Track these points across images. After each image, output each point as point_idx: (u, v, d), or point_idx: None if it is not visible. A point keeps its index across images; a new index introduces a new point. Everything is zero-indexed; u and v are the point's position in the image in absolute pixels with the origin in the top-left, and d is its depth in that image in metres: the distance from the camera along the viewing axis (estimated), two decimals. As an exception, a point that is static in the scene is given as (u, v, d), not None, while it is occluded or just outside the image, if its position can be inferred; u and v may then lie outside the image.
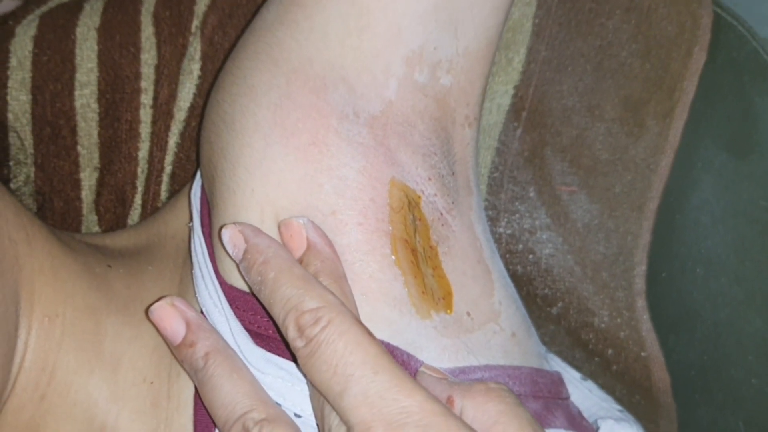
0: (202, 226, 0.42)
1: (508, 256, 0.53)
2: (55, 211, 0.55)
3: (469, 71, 0.42)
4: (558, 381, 0.43)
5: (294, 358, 0.36)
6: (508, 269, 0.50)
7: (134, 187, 0.54)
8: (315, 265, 0.36)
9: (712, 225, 0.48)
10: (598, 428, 0.43)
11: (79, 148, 0.54)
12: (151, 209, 0.54)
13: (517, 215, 0.52)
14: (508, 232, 0.53)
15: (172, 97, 0.52)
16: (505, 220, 0.52)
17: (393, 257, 0.38)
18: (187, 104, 0.52)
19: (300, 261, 0.37)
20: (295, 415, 0.37)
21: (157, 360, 0.41)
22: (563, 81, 0.50)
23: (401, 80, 0.40)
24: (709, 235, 0.48)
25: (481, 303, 0.40)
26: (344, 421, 0.33)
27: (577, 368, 0.50)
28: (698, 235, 0.49)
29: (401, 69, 0.39)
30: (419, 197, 0.40)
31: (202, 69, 0.52)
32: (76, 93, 0.53)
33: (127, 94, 0.53)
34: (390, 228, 0.38)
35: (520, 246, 0.52)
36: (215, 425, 0.37)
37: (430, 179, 0.40)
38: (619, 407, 0.47)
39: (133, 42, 0.53)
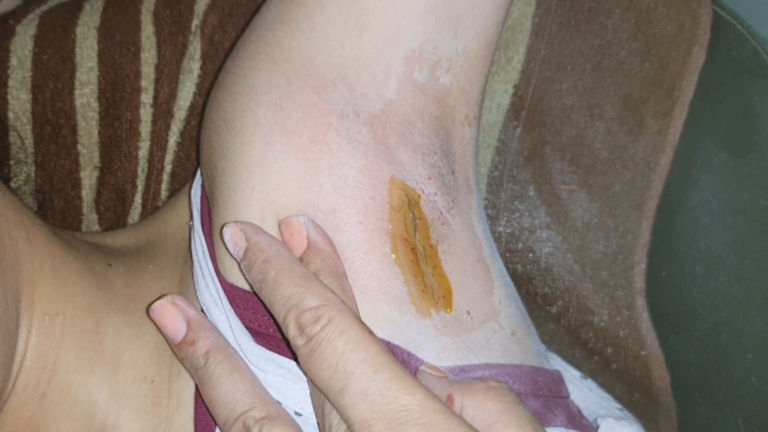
0: (203, 224, 0.42)
1: (507, 254, 0.53)
2: (55, 210, 0.55)
3: (469, 70, 0.42)
4: (558, 380, 0.43)
5: (294, 357, 0.36)
6: (507, 268, 0.50)
7: (134, 186, 0.54)
8: (315, 264, 0.36)
9: (712, 224, 0.48)
10: (597, 427, 0.43)
11: (79, 147, 0.54)
12: (151, 208, 0.54)
13: (517, 214, 0.52)
14: (508, 230, 0.53)
15: (173, 96, 0.52)
16: (505, 218, 0.52)
17: (393, 256, 0.38)
18: (188, 103, 0.52)
19: (300, 259, 0.37)
20: (296, 413, 0.37)
21: (157, 358, 0.41)
22: (563, 80, 0.50)
23: (401, 79, 0.40)
24: (709, 233, 0.48)
25: (481, 302, 0.41)
26: (344, 419, 0.33)
27: (577, 367, 0.50)
28: (698, 234, 0.49)
29: (401, 68, 0.39)
30: (419, 196, 0.40)
31: (202, 68, 0.52)
32: (77, 92, 0.53)
33: (128, 93, 0.53)
34: (390, 227, 0.38)
35: (520, 245, 0.52)
36: (216, 423, 0.37)
37: (429, 178, 0.40)
38: (618, 406, 0.47)
39: (134, 41, 0.53)
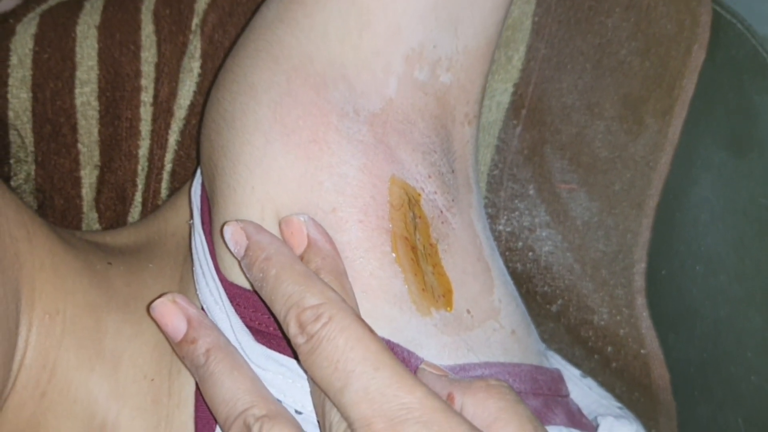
0: (203, 223, 0.42)
1: (507, 253, 0.53)
2: (55, 209, 0.55)
3: (469, 69, 0.42)
4: (558, 378, 0.43)
5: (295, 355, 0.36)
6: (507, 267, 0.50)
7: (134, 185, 0.54)
8: (316, 262, 0.36)
9: (712, 223, 0.48)
10: (597, 425, 0.43)
11: (79, 145, 0.54)
12: (151, 207, 0.54)
13: (517, 213, 0.52)
14: (508, 229, 0.53)
15: (173, 95, 0.52)
16: (505, 217, 0.52)
17: (393, 255, 0.38)
18: (188, 102, 0.52)
19: (301, 258, 0.37)
20: (296, 411, 0.37)
21: (157, 357, 0.41)
22: (563, 79, 0.50)
23: (401, 78, 0.40)
24: (709, 232, 0.48)
25: (481, 300, 0.41)
26: (345, 417, 0.33)
27: (577, 365, 0.50)
28: (698, 233, 0.49)
29: (401, 67, 0.40)
30: (419, 195, 0.40)
31: (202, 67, 0.52)
32: (77, 91, 0.53)
33: (128, 92, 0.53)
34: (390, 225, 0.38)
35: (520, 243, 0.52)
36: (216, 422, 0.37)
37: (430, 177, 0.40)
38: (618, 404, 0.47)
39: (134, 40, 0.53)
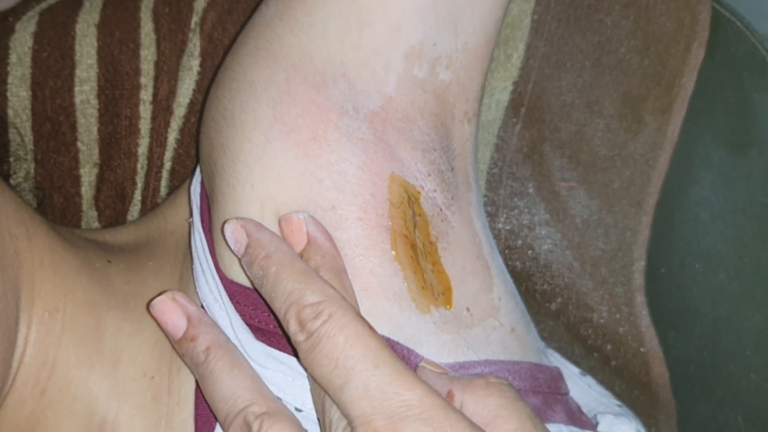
0: (202, 221, 0.42)
1: (507, 251, 0.53)
2: (55, 207, 0.55)
3: (469, 67, 0.42)
4: (557, 376, 0.43)
5: (295, 353, 0.36)
6: (507, 265, 0.50)
7: (134, 183, 0.54)
8: (315, 260, 0.36)
9: (711, 221, 0.48)
10: (597, 423, 0.43)
11: (78, 144, 0.54)
12: (150, 205, 0.54)
13: (516, 211, 0.52)
14: (507, 228, 0.53)
15: (172, 93, 0.52)
16: (504, 216, 0.52)
17: (393, 252, 0.38)
18: (187, 100, 0.52)
19: (301, 256, 0.37)
20: (296, 409, 0.37)
21: (157, 355, 0.41)
22: (562, 77, 0.50)
23: (401, 76, 0.40)
24: (709, 230, 0.48)
25: (481, 298, 0.41)
26: (345, 414, 0.33)
27: (576, 364, 0.50)
28: (697, 231, 0.49)
29: (401, 65, 0.40)
30: (419, 193, 0.40)
31: (201, 65, 0.52)
32: (76, 89, 0.53)
33: (127, 91, 0.53)
34: (390, 223, 0.38)
35: (519, 242, 0.53)
36: (216, 419, 0.37)
37: (429, 175, 0.40)
38: (618, 402, 0.47)
39: (133, 38, 0.53)
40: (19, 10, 0.54)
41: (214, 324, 0.39)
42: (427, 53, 0.40)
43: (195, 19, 0.52)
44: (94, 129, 0.54)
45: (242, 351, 0.38)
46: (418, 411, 0.31)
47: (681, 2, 0.48)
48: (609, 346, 0.51)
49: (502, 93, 0.51)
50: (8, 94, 0.53)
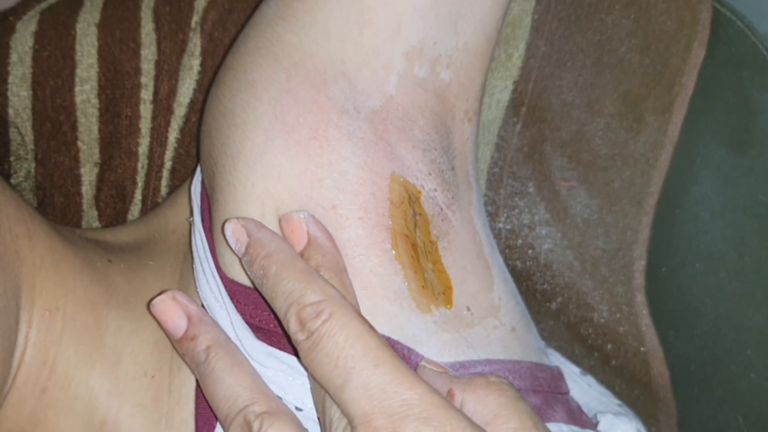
0: (203, 220, 0.42)
1: (507, 251, 0.53)
2: (55, 207, 0.55)
3: (469, 66, 0.42)
4: (558, 376, 0.43)
5: (295, 352, 0.36)
6: (507, 264, 0.50)
7: (134, 183, 0.54)
8: (316, 259, 0.36)
9: (712, 220, 0.48)
10: (597, 423, 0.43)
11: (79, 143, 0.54)
12: (151, 205, 0.54)
13: (517, 210, 0.52)
14: (508, 227, 0.53)
15: (172, 92, 0.52)
16: (505, 215, 0.53)
17: (393, 252, 0.38)
18: (187, 100, 0.52)
19: (301, 255, 0.37)
20: (296, 408, 0.37)
21: (158, 354, 0.41)
22: (562, 76, 0.50)
23: (401, 75, 0.40)
24: (709, 230, 0.48)
25: (481, 298, 0.41)
26: (345, 413, 0.33)
27: (577, 363, 0.50)
28: (698, 230, 0.49)
29: (401, 64, 0.40)
30: (419, 192, 0.40)
31: (202, 64, 0.52)
32: (77, 89, 0.53)
33: (127, 90, 0.53)
34: (390, 223, 0.38)
35: (520, 241, 0.53)
36: (216, 418, 0.37)
37: (430, 174, 0.40)
38: (618, 402, 0.47)
39: (133, 38, 0.53)
40: (20, 10, 0.54)
41: (215, 323, 0.39)
42: (428, 52, 0.40)
43: (195, 18, 0.52)
44: (95, 128, 0.54)
45: (243, 350, 0.38)
46: (419, 410, 0.31)
47: (681, 2, 0.48)
48: (609, 346, 0.51)
49: (502, 92, 0.51)
50: (9, 93, 0.53)
